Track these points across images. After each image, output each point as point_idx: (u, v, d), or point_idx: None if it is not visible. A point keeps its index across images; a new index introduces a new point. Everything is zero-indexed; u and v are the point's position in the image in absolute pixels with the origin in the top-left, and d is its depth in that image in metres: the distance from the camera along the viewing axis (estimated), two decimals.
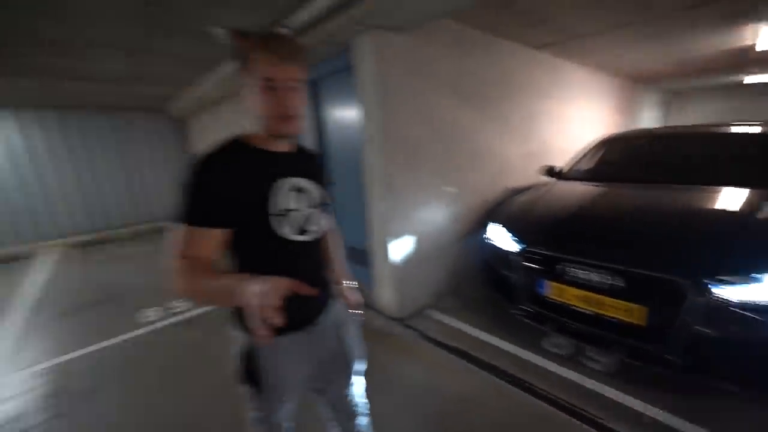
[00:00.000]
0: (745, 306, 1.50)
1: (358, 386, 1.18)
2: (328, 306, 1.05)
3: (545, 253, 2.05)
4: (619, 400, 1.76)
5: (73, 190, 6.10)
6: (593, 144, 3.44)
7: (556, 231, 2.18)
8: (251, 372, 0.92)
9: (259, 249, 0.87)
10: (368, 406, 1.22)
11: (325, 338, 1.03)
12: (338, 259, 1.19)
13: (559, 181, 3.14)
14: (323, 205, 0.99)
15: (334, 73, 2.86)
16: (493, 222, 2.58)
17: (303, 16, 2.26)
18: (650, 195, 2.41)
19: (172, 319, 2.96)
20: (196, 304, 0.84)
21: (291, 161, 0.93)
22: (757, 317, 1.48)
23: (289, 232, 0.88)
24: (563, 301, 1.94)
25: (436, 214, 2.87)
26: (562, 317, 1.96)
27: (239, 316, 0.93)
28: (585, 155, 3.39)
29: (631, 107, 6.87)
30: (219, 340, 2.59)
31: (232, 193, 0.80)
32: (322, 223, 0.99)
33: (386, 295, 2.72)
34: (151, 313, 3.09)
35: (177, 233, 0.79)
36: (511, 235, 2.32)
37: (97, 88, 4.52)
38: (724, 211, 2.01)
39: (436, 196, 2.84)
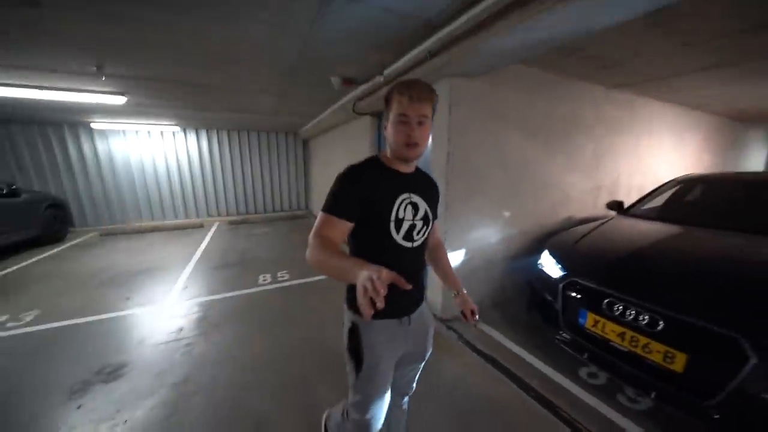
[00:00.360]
0: None
1: (418, 372, 1.21)
2: (420, 305, 1.09)
3: (586, 284, 1.85)
4: None
5: (232, 184, 7.61)
6: (667, 183, 2.91)
7: (599, 263, 1.95)
8: (355, 347, 0.99)
9: (373, 245, 0.94)
10: (414, 389, 1.25)
11: (415, 331, 1.07)
12: (450, 270, 1.22)
13: (621, 216, 2.75)
14: (427, 219, 1.01)
15: None
16: (545, 248, 2.41)
17: (397, 66, 2.52)
18: (717, 241, 1.97)
19: (277, 285, 3.50)
20: (320, 272, 0.76)
21: (410, 181, 0.99)
22: None
23: (398, 237, 0.95)
24: (601, 334, 1.73)
25: (489, 234, 2.78)
26: (600, 350, 1.74)
27: (351, 298, 1.01)
28: (654, 193, 2.89)
29: (726, 147, 5.47)
30: (304, 305, 2.99)
31: (365, 197, 0.89)
32: (425, 234, 1.02)
33: (434, 296, 2.75)
34: (267, 278, 3.71)
35: (320, 218, 0.89)
36: (556, 261, 2.15)
37: (255, 117, 5.61)
38: None
39: (492, 218, 2.76)
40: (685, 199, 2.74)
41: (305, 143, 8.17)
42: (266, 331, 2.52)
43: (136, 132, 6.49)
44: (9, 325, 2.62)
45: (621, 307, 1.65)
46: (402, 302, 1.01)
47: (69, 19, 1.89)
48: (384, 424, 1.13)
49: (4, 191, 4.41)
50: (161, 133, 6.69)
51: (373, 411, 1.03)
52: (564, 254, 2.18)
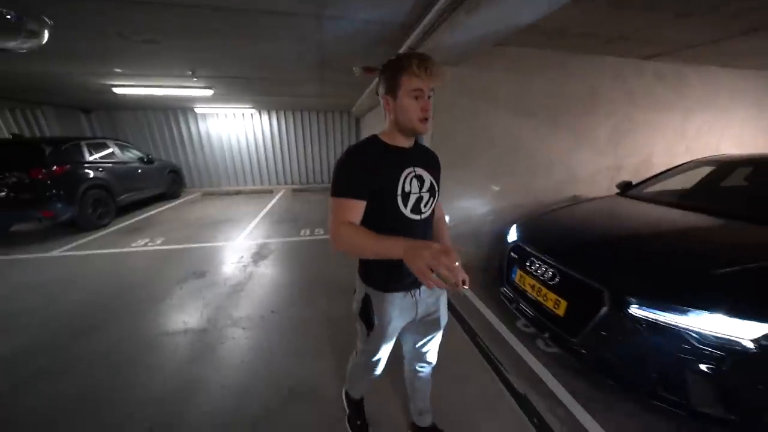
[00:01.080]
0: (651, 324, 1.43)
1: (436, 342, 1.25)
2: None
3: (523, 247, 2.20)
4: (541, 374, 1.88)
5: (296, 157, 8.94)
6: (677, 165, 2.77)
7: (541, 233, 2.24)
8: (366, 314, 1.07)
9: (382, 220, 0.95)
10: (436, 358, 1.30)
11: (425, 302, 1.12)
12: (445, 239, 1.21)
13: (617, 197, 2.80)
14: (433, 191, 1.04)
15: None
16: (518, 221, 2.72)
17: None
18: (666, 220, 2.07)
19: (312, 238, 4.47)
20: (357, 255, 0.90)
21: (413, 155, 1.00)
22: (660, 337, 1.40)
23: (406, 210, 0.97)
24: (522, 287, 2.11)
25: (476, 205, 3.15)
26: (521, 300, 2.13)
27: (365, 270, 1.09)
28: (660, 175, 2.80)
29: None
30: (326, 253, 3.87)
31: (371, 174, 0.91)
32: (432, 206, 1.05)
33: None
34: (306, 232, 4.72)
35: (336, 204, 0.90)
36: (516, 230, 2.48)
37: (310, 100, 6.54)
38: (700, 247, 1.71)
39: (478, 191, 3.10)
40: (685, 181, 2.64)
41: (357, 121, 8.94)
42: (296, 265, 3.48)
43: (225, 114, 8.15)
44: (149, 244, 4.15)
45: (537, 264, 2.00)
46: (410, 275, 1.03)
47: (175, 48, 2.90)
48: (409, 392, 1.39)
49: (145, 160, 6.33)
50: (242, 114, 8.23)
51: (379, 355, 1.17)
52: (523, 225, 2.49)
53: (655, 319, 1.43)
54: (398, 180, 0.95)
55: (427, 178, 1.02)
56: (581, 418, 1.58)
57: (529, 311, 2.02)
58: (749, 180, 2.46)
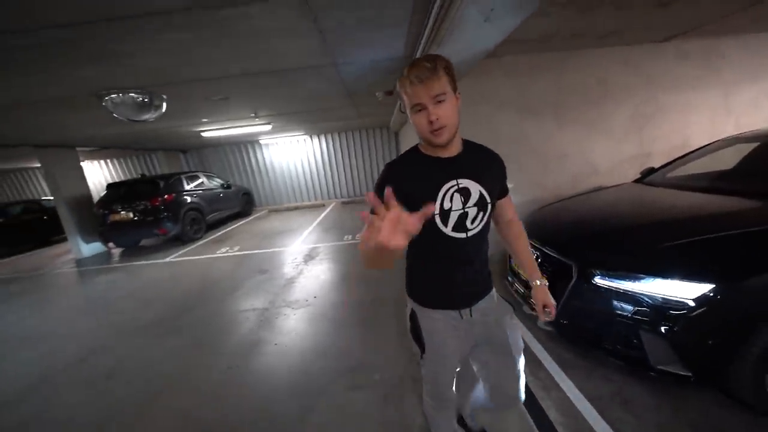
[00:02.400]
0: (611, 289, 1.64)
1: (511, 372, 1.06)
2: (484, 295, 1.02)
3: None
4: (531, 345, 2.12)
5: (343, 173, 9.94)
6: (702, 147, 2.67)
7: (534, 222, 2.47)
8: (416, 332, 1.00)
9: (424, 241, 0.84)
10: (520, 393, 1.09)
11: (481, 323, 1.01)
12: (526, 253, 1.11)
13: (631, 183, 2.82)
14: (483, 203, 0.91)
15: None
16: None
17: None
18: (652, 202, 2.17)
19: (353, 242, 5.13)
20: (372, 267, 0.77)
21: (457, 164, 0.90)
22: (621, 302, 1.61)
23: (447, 229, 0.89)
24: (515, 269, 2.37)
25: None
26: (518, 282, 2.39)
27: (407, 281, 1.03)
28: (682, 158, 2.73)
29: None
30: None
31: (408, 190, 0.81)
32: (483, 220, 0.93)
33: None
34: (349, 237, 5.41)
35: (367, 216, 0.73)
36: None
37: (350, 122, 7.40)
38: (660, 224, 1.85)
39: None
40: (704, 164, 2.56)
41: (396, 135, 9.59)
42: (338, 263, 4.15)
43: (283, 142, 9.55)
44: (228, 251, 5.28)
45: None
46: (457, 293, 0.97)
47: (240, 100, 3.88)
48: None
49: (225, 185, 7.86)
50: (297, 140, 9.54)
51: (441, 386, 1.04)
52: (528, 217, 2.73)
53: (615, 287, 1.64)
54: (435, 196, 0.86)
55: (475, 189, 0.90)
56: (559, 378, 1.81)
57: (521, 289, 2.28)
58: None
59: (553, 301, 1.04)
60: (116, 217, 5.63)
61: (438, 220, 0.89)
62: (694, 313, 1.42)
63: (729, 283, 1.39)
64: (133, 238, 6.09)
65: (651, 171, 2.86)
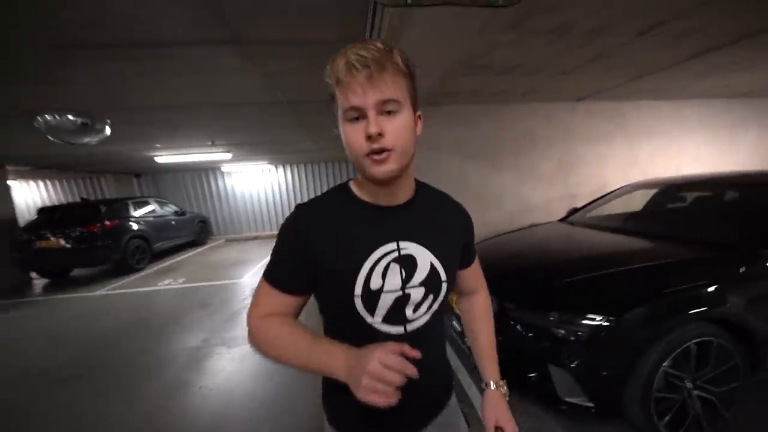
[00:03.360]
0: (522, 322, 1.75)
1: None
2: (438, 412, 0.67)
3: None
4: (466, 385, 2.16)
5: None
6: (611, 192, 3.07)
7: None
8: None
9: (343, 327, 0.58)
10: None
11: None
12: (483, 340, 0.76)
13: (556, 222, 3.12)
14: (433, 283, 0.59)
15: None
16: None
17: None
18: (564, 240, 2.41)
19: None
20: (275, 361, 0.53)
21: (400, 218, 0.59)
22: (530, 334, 1.71)
23: (374, 319, 0.56)
24: (452, 304, 2.45)
25: None
26: (453, 317, 2.45)
27: (325, 393, 0.66)
28: (596, 201, 3.10)
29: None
30: None
31: (319, 250, 0.54)
32: (432, 308, 0.60)
33: None
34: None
35: (259, 286, 0.59)
36: None
37: (314, 154, 7.54)
38: (566, 261, 2.05)
39: None
40: (616, 206, 2.93)
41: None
42: None
43: (246, 171, 9.43)
44: (172, 283, 4.90)
45: None
46: (394, 419, 0.59)
47: (195, 128, 3.87)
48: None
49: (179, 213, 7.47)
50: (261, 170, 9.48)
51: None
52: None
53: (526, 321, 1.75)
54: (359, 267, 0.55)
55: (425, 259, 0.59)
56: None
57: (455, 324, 2.34)
58: (662, 200, 2.74)
59: (510, 418, 0.67)
60: (44, 244, 5.07)
61: (359, 304, 0.55)
62: (589, 345, 1.54)
63: (616, 315, 1.54)
64: (61, 266, 5.48)
65: (574, 210, 3.19)
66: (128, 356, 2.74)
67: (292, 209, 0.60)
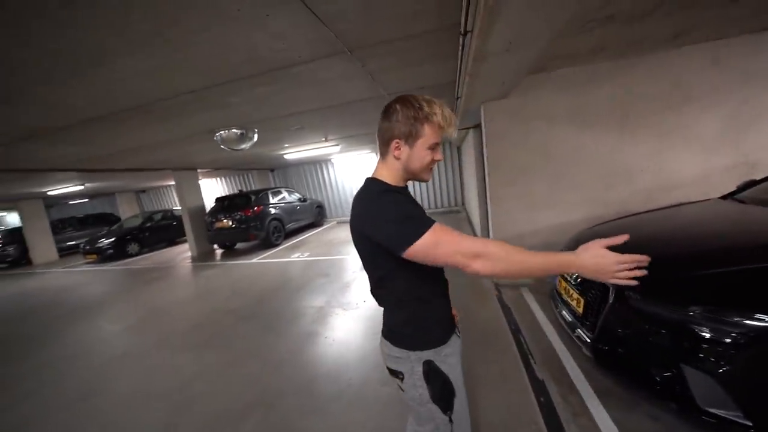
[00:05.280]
0: (645, 313, 1.53)
1: None
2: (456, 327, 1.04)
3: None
4: (569, 369, 2.03)
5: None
6: None
7: (579, 241, 2.34)
8: (444, 390, 0.89)
9: (432, 278, 0.93)
10: None
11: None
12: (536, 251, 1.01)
13: (719, 199, 2.44)
14: None
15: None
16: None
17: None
18: (761, 224, 1.81)
19: None
20: (509, 275, 0.76)
21: (409, 194, 0.95)
22: (659, 329, 1.49)
23: None
24: (559, 290, 2.28)
25: (544, 218, 3.28)
26: (561, 301, 2.29)
27: (416, 333, 0.91)
28: None
29: None
30: None
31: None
32: None
33: None
34: None
35: (437, 232, 0.76)
36: (568, 242, 2.61)
37: None
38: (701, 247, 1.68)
39: (544, 205, 3.25)
40: None
41: (458, 149, 9.60)
42: None
43: (352, 159, 10.48)
44: (300, 257, 6.09)
45: None
46: (451, 316, 1.01)
47: (313, 128, 4.62)
48: None
49: (302, 199, 9.03)
50: (364, 157, 10.37)
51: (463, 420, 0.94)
52: (576, 234, 2.60)
53: (653, 312, 1.54)
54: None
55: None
56: (591, 405, 1.72)
57: (564, 312, 2.20)
58: None
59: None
60: (219, 224, 7.05)
61: None
62: (749, 350, 1.26)
63: None
64: (231, 241, 7.49)
65: (752, 183, 2.42)
66: (278, 308, 3.66)
67: (382, 194, 0.86)
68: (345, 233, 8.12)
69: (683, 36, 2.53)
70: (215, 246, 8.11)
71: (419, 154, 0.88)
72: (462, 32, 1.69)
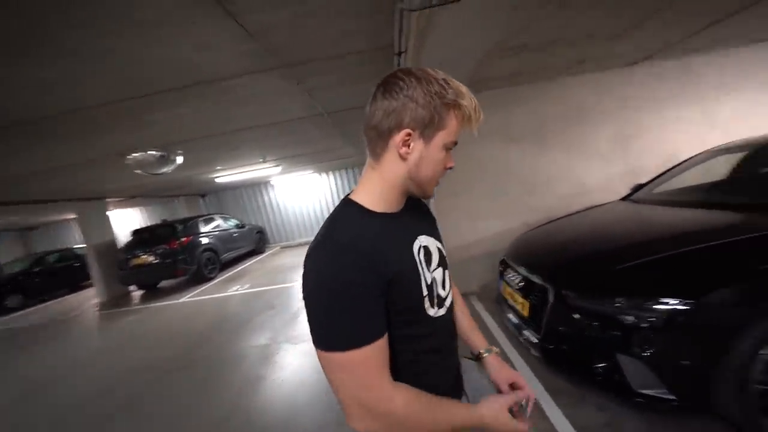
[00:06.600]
0: (584, 310, 1.67)
1: None
2: (462, 386, 0.75)
3: (505, 260, 2.51)
4: (519, 369, 2.11)
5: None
6: (685, 161, 2.72)
7: (518, 245, 2.53)
8: None
9: (409, 336, 0.59)
10: None
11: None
12: (470, 321, 0.84)
13: (618, 201, 2.86)
14: (444, 259, 0.67)
15: None
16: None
17: None
18: (652, 220, 2.16)
19: None
20: None
21: (406, 219, 0.65)
22: (594, 322, 1.62)
23: (431, 310, 0.61)
24: (504, 295, 2.40)
25: (486, 227, 3.48)
26: (507, 307, 2.40)
27: None
28: (664, 174, 2.77)
29: None
30: None
31: (390, 278, 0.53)
32: (450, 283, 0.69)
33: None
34: None
35: (357, 364, 0.50)
36: (509, 248, 2.79)
37: (356, 158, 7.83)
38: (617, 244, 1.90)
39: (482, 215, 3.47)
40: (686, 177, 2.60)
41: None
42: None
43: (294, 180, 10.11)
44: (239, 289, 5.49)
45: (511, 274, 2.32)
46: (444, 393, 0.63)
47: (250, 148, 4.31)
48: None
49: (240, 225, 8.30)
50: (307, 178, 10.09)
51: None
52: (513, 242, 2.80)
53: (588, 308, 1.67)
54: (417, 269, 0.60)
55: (434, 245, 0.67)
56: (547, 407, 1.78)
57: (510, 316, 2.29)
58: (753, 165, 2.37)
59: (518, 374, 0.75)
60: (137, 261, 6.05)
61: (426, 300, 0.60)
62: (664, 332, 1.43)
63: (695, 297, 1.40)
64: (152, 279, 6.45)
65: (639, 187, 2.89)
66: (215, 353, 3.17)
67: (329, 250, 0.54)
68: (290, 258, 7.64)
69: (577, 66, 3.02)
70: (132, 287, 6.91)
71: (435, 154, 0.58)
72: (396, 52, 1.73)
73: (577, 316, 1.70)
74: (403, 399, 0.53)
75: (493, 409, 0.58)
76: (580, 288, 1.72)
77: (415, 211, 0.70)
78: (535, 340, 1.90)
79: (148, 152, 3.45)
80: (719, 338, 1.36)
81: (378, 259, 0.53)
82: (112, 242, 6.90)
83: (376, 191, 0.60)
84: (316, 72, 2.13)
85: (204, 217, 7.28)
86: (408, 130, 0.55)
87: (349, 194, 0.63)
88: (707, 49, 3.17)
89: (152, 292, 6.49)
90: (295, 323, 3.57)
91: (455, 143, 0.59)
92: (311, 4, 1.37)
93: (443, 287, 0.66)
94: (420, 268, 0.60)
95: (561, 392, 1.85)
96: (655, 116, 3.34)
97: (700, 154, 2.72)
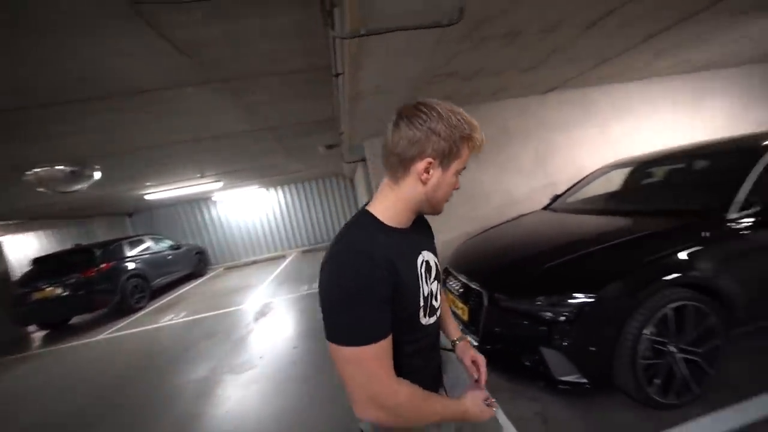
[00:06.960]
0: (513, 311, 1.84)
1: None
2: (441, 381, 0.90)
3: (447, 268, 2.67)
4: None
5: (302, 222, 9.96)
6: (585, 176, 3.22)
7: (457, 254, 2.72)
8: None
9: (401, 342, 0.66)
10: None
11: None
12: (447, 311, 0.99)
13: (541, 210, 3.24)
14: (439, 274, 0.79)
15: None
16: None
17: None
18: (566, 226, 2.49)
19: (311, 291, 5.06)
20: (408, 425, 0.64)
21: (413, 235, 0.74)
22: (521, 321, 1.80)
23: (425, 319, 0.71)
24: (448, 302, 2.54)
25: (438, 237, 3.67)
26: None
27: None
28: (573, 188, 3.24)
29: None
30: (315, 303, 4.41)
31: (399, 285, 0.63)
32: (441, 295, 0.81)
33: None
34: (305, 288, 5.33)
35: (366, 359, 0.58)
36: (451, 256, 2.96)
37: (303, 173, 7.68)
38: (543, 247, 2.14)
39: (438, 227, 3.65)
40: (593, 188, 3.07)
41: (351, 181, 10.03)
42: (290, 318, 4.05)
43: (238, 196, 9.53)
44: (174, 318, 4.92)
45: (452, 281, 2.46)
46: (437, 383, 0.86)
47: (184, 163, 3.98)
48: None
49: (175, 247, 7.51)
50: (252, 194, 9.58)
51: None
52: (454, 251, 2.98)
53: (515, 308, 1.85)
54: (418, 281, 0.68)
55: (433, 261, 0.77)
56: None
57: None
58: (637, 177, 2.89)
59: (478, 354, 0.90)
60: (41, 295, 5.08)
61: (421, 311, 0.69)
62: (576, 323, 1.64)
63: (596, 291, 1.64)
64: (60, 315, 5.47)
65: (556, 197, 3.32)
66: (142, 395, 2.76)
67: (348, 255, 0.62)
68: (236, 280, 7.10)
69: (501, 92, 3.41)
70: (32, 327, 5.77)
71: (449, 179, 0.69)
72: (335, 74, 1.80)
73: (507, 316, 1.87)
74: (406, 393, 0.62)
75: (474, 402, 0.72)
76: (509, 290, 1.91)
77: (420, 228, 0.79)
78: (476, 344, 2.03)
79: (56, 167, 3.00)
80: (615, 324, 1.61)
81: (390, 269, 0.62)
82: (5, 274, 5.73)
83: (391, 209, 0.70)
84: (253, 88, 2.09)
85: (130, 239, 6.44)
86: (430, 159, 0.65)
87: (366, 204, 0.74)
88: (599, 82, 3.83)
89: (62, 331, 5.48)
90: (238, 351, 3.31)
91: (464, 168, 0.70)
92: (242, 24, 1.37)
93: (436, 299, 0.76)
94: (420, 281, 0.69)
95: (502, 390, 1.99)
96: (565, 136, 3.90)
97: (597, 170, 3.22)
